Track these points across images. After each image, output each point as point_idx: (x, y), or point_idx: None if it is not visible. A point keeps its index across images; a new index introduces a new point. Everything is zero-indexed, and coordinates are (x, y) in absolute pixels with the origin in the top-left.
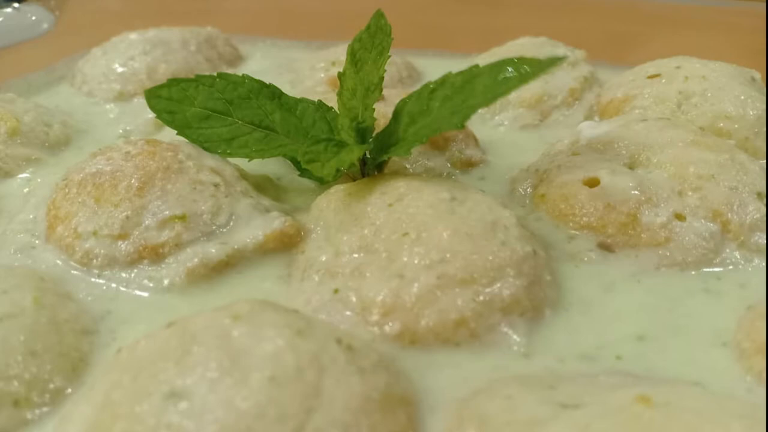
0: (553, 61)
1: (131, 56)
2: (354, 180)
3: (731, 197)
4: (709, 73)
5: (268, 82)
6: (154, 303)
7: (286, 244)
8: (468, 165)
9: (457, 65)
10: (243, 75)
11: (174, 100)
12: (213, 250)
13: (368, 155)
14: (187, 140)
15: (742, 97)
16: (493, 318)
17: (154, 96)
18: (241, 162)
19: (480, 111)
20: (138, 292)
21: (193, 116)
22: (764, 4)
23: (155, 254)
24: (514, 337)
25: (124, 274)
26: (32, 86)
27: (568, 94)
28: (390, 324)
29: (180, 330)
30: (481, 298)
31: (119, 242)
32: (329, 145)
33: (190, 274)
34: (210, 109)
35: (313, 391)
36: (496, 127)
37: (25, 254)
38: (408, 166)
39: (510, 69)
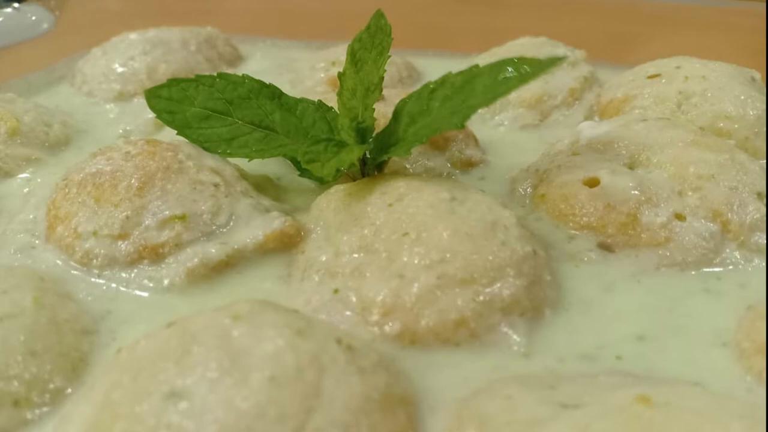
0: (553, 61)
1: (131, 56)
2: (354, 180)
3: (731, 197)
4: (709, 73)
5: (268, 82)
6: (154, 303)
7: (286, 244)
8: (468, 165)
9: (457, 65)
10: (243, 75)
11: (174, 100)
12: (213, 250)
13: (368, 155)
14: (187, 140)
15: (742, 97)
16: (493, 318)
17: (154, 96)
18: (241, 162)
19: (480, 111)
20: (138, 292)
21: (193, 116)
22: (764, 4)
23: (155, 254)
24: (514, 337)
25: (124, 274)
26: (32, 86)
27: (568, 94)
28: (390, 324)
29: (180, 330)
30: (481, 298)
31: (119, 242)
32: (329, 145)
33: (190, 274)
34: (210, 109)
35: (313, 391)
36: (496, 127)
37: (25, 254)
38: (408, 166)
39: (510, 69)
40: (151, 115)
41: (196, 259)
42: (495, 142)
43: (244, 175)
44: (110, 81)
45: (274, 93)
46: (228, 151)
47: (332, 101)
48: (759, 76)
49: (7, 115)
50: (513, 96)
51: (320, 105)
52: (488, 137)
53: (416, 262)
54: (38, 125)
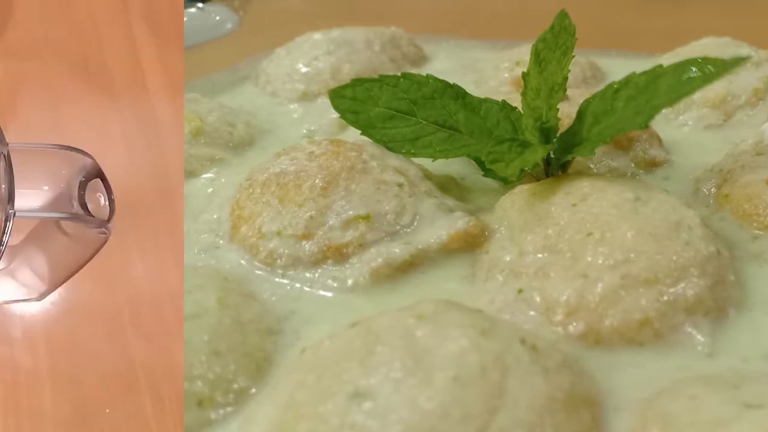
0: (737, 61)
1: (315, 56)
2: (538, 180)
3: None
4: None
5: (452, 82)
6: (338, 303)
7: (470, 244)
8: (652, 165)
9: (640, 65)
10: (427, 75)
11: (358, 100)
12: (397, 250)
13: (552, 155)
14: (371, 140)
15: None
16: (677, 318)
17: (338, 96)
18: (425, 162)
19: (664, 111)
20: (322, 292)
21: (377, 116)
22: None
23: (339, 254)
24: (698, 337)
25: (308, 274)
26: (216, 86)
27: (752, 94)
28: (574, 324)
29: (364, 330)
30: (665, 298)
31: (303, 242)
32: (513, 145)
33: (374, 274)
34: (394, 109)
35: (497, 391)
36: (680, 127)
37: (209, 254)
38: (592, 166)
39: (694, 69)
40: (335, 115)
41: (380, 259)
42: (679, 142)
43: (428, 175)
44: (294, 81)
45: (458, 93)
46: (412, 151)
47: (516, 101)
48: None
49: (191, 116)
50: (697, 96)
51: (504, 105)
52: (672, 137)
53: (600, 262)
54: (222, 125)
